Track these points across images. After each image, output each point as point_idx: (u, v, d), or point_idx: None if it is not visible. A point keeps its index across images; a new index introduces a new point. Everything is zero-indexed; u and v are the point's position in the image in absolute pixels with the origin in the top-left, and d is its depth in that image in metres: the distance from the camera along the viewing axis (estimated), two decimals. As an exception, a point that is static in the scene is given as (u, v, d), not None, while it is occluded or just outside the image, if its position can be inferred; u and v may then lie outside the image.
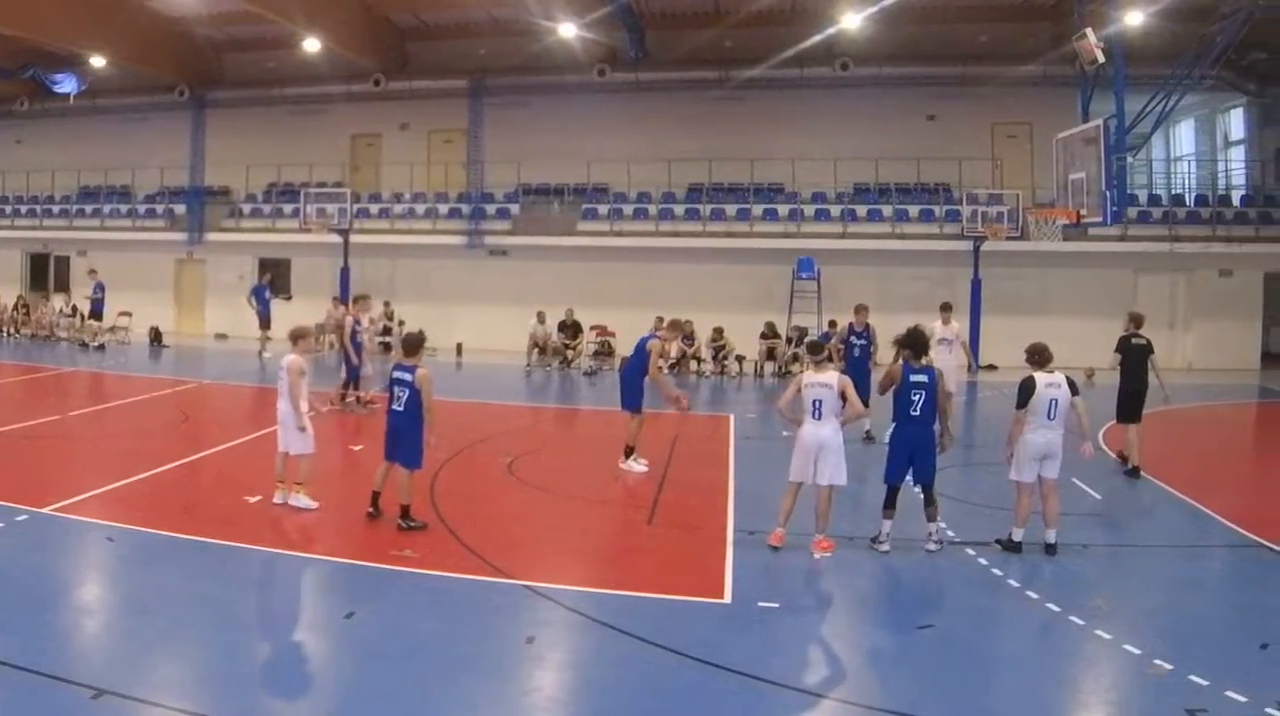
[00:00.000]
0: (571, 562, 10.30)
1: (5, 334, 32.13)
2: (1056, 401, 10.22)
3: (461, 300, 31.37)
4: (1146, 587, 9.80)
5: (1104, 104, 21.49)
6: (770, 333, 27.46)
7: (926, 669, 7.62)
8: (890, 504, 10.39)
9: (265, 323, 28.09)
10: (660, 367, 14.88)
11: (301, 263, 33.26)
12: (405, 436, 10.76)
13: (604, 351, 28.66)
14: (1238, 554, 10.82)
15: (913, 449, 10.41)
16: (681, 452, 15.54)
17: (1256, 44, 24.66)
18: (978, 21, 29.36)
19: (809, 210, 30.18)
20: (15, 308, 32.97)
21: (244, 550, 10.03)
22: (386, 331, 28.56)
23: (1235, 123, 31.29)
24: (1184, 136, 33.13)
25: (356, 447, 15.35)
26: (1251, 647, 7.84)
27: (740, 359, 27.04)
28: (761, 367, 26.99)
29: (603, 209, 31.25)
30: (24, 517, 10.62)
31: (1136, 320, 14.96)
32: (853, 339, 17.12)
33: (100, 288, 29.27)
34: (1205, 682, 7.07)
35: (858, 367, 16.31)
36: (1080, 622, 8.35)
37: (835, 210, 30.07)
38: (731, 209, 30.52)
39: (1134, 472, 14.16)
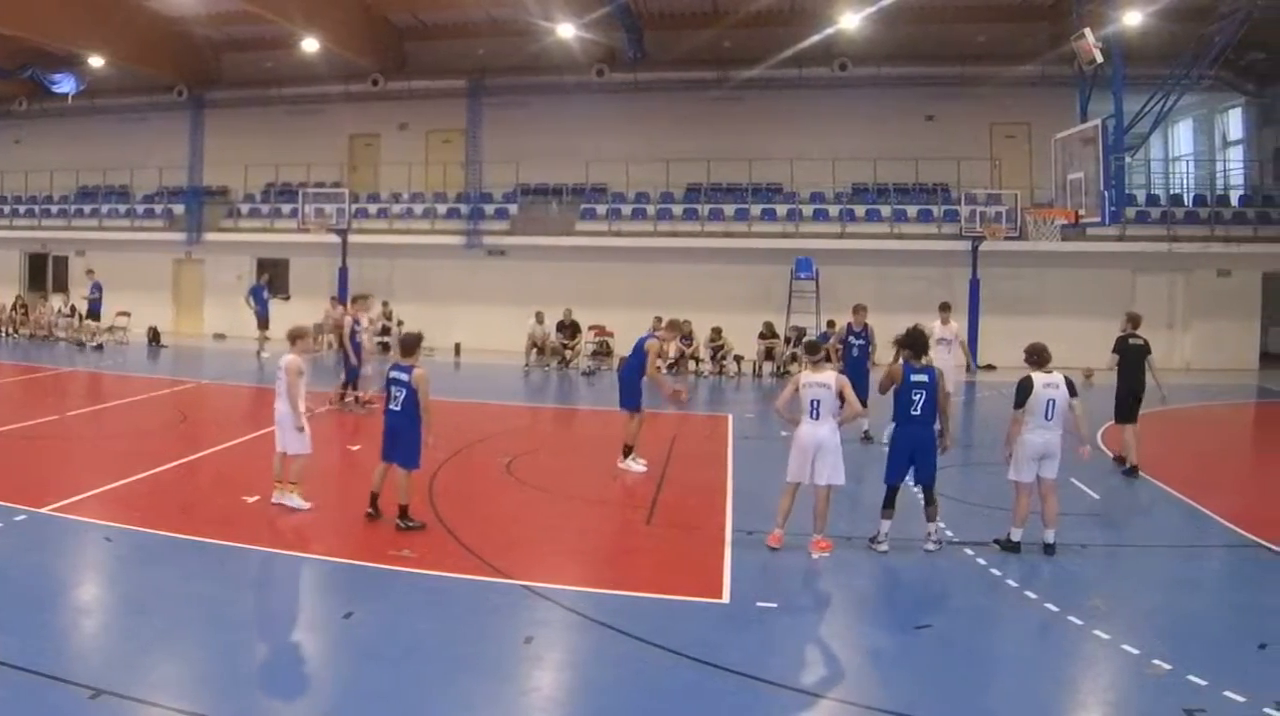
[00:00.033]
0: (570, 562, 10.30)
1: (4, 334, 32.11)
2: (1054, 402, 10.22)
3: (460, 300, 31.38)
4: (1145, 587, 9.80)
5: (1102, 104, 21.51)
6: (768, 333, 27.46)
7: (925, 669, 7.62)
8: (889, 504, 10.39)
9: (263, 323, 28.08)
10: (659, 367, 14.88)
11: (300, 263, 33.24)
12: (403, 436, 10.76)
13: (602, 351, 28.68)
14: (1236, 554, 10.82)
15: (913, 449, 10.40)
16: (680, 452, 15.54)
17: (1255, 44, 24.66)
18: (976, 21, 29.38)
19: (807, 210, 30.20)
20: (14, 308, 32.95)
21: (242, 550, 10.02)
22: (385, 331, 28.55)
23: (1233, 123, 31.30)
24: (1182, 136, 33.16)
25: (355, 448, 15.35)
26: (1250, 647, 7.84)
27: (738, 359, 27.04)
28: (760, 368, 26.99)
29: (601, 209, 31.25)
30: (22, 517, 10.61)
31: (1134, 320, 14.97)
32: (851, 339, 17.11)
33: (97, 288, 29.25)
34: (1204, 682, 7.07)
35: (856, 368, 16.31)
36: (1079, 622, 8.35)
37: (833, 210, 30.07)
38: (730, 209, 30.53)
39: (1132, 472, 14.18)
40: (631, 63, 30.70)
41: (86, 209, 35.34)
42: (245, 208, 34.27)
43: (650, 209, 31.01)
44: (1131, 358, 14.62)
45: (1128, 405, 14.57)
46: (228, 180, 35.09)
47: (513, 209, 32.23)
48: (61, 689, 6.65)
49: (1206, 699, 6.85)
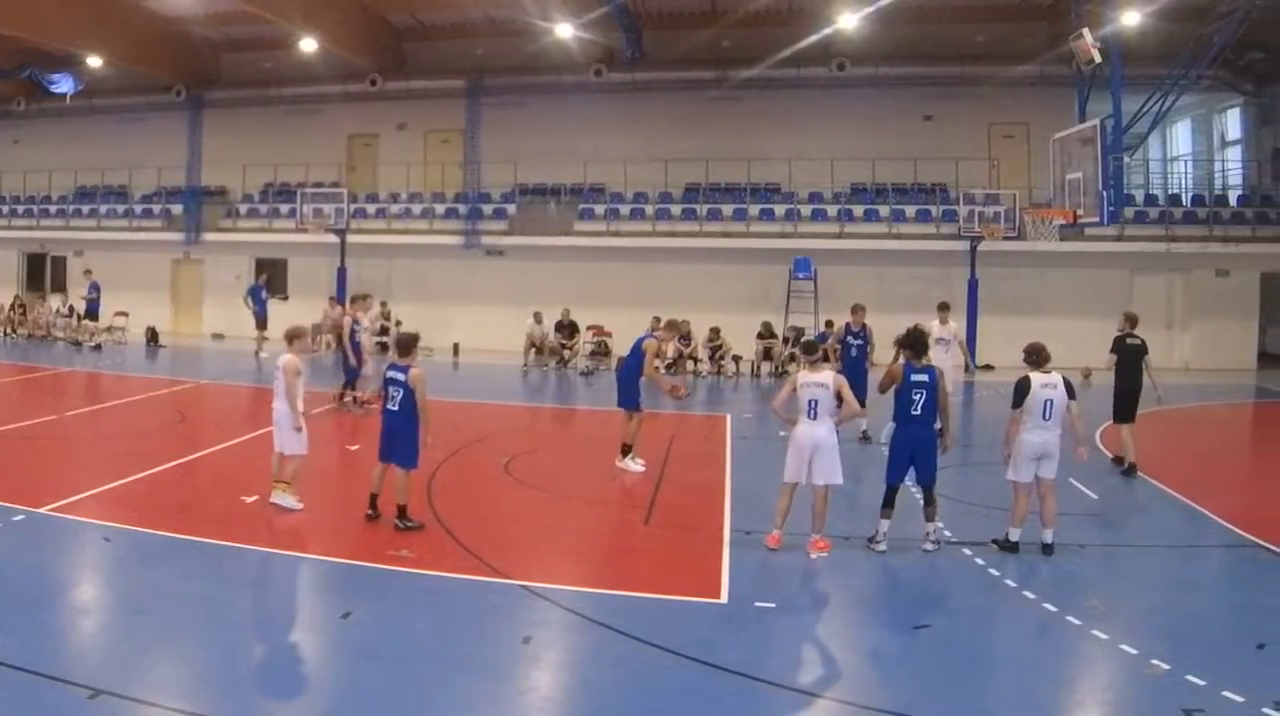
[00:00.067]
0: (568, 562, 10.29)
1: (2, 334, 32.09)
2: (1052, 402, 10.22)
3: (458, 300, 31.39)
4: (1143, 587, 9.79)
5: (1101, 104, 21.51)
6: (767, 333, 27.47)
7: (923, 669, 7.62)
8: (889, 503, 10.39)
9: (262, 323, 28.09)
10: (657, 367, 14.89)
11: (298, 263, 33.24)
12: (400, 436, 10.76)
13: (601, 351, 28.68)
14: (1234, 554, 10.83)
15: (914, 449, 10.39)
16: (678, 452, 15.54)
17: (1254, 44, 24.69)
18: (975, 21, 29.41)
19: (806, 210, 30.22)
20: (12, 308, 32.92)
21: (241, 550, 10.02)
22: (384, 332, 28.53)
23: (1232, 123, 31.34)
24: (1181, 136, 33.19)
25: (353, 448, 15.34)
26: (1248, 647, 7.84)
27: (737, 359, 27.03)
28: (758, 368, 26.99)
29: (599, 209, 31.26)
30: (21, 517, 10.60)
31: (1131, 320, 15.00)
32: (849, 339, 17.13)
33: (95, 288, 29.24)
34: (1202, 682, 7.07)
35: (854, 368, 16.33)
36: (1077, 622, 8.35)
37: (832, 210, 30.09)
38: (728, 209, 30.55)
39: (1130, 471, 14.19)
40: (630, 63, 30.72)
41: (85, 209, 35.33)
42: (244, 208, 34.27)
43: (648, 209, 31.02)
44: (1129, 357, 14.65)
45: (1125, 405, 14.60)
46: (226, 180, 35.09)
47: (511, 209, 32.23)
48: (60, 689, 6.65)
49: (1205, 699, 6.85)
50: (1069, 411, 10.34)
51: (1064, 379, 10.35)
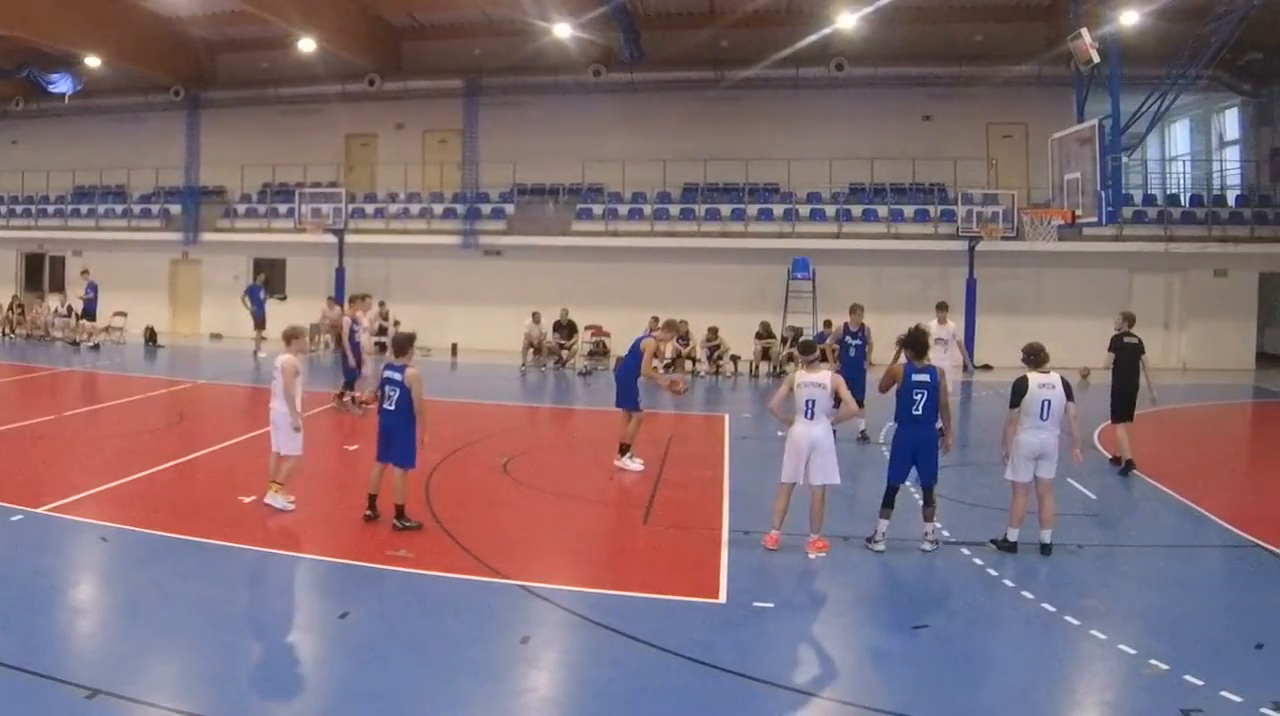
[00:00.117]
0: (567, 562, 10.30)
1: (1, 334, 32.08)
2: (1050, 402, 10.21)
3: (456, 300, 31.38)
4: (1142, 587, 9.79)
5: (1099, 104, 21.50)
6: (765, 333, 27.46)
7: (922, 669, 7.63)
8: (889, 503, 10.39)
9: (260, 323, 28.09)
10: (655, 367, 14.89)
11: (296, 263, 33.21)
12: (398, 436, 10.76)
13: (599, 351, 28.67)
14: (1233, 553, 10.84)
15: (915, 449, 10.39)
16: (677, 452, 15.54)
17: (1252, 44, 24.71)
18: (973, 21, 29.43)
19: (804, 210, 30.21)
20: (10, 308, 32.94)
21: (238, 550, 10.01)
22: (382, 331, 28.50)
23: (1230, 123, 31.35)
24: (1179, 136, 33.22)
25: (351, 448, 15.33)
26: (1247, 647, 7.85)
27: (735, 359, 27.02)
28: (756, 368, 26.98)
29: (598, 209, 31.25)
30: (19, 517, 10.60)
31: (1129, 319, 15.04)
32: (848, 339, 17.14)
33: (93, 288, 29.26)
34: (1200, 682, 7.08)
35: (853, 368, 16.35)
36: (1075, 622, 8.35)
37: (830, 210, 30.08)
38: (727, 209, 30.54)
39: (1128, 468, 14.22)
40: (628, 63, 30.67)
41: (83, 209, 35.28)
42: (242, 208, 34.23)
43: (647, 209, 31.01)
44: (1126, 356, 14.69)
45: (1122, 404, 14.64)
46: (224, 180, 35.04)
47: (509, 209, 32.20)
48: (58, 689, 6.64)
49: (1203, 699, 6.85)
50: (1066, 413, 10.34)
51: (1062, 379, 10.34)
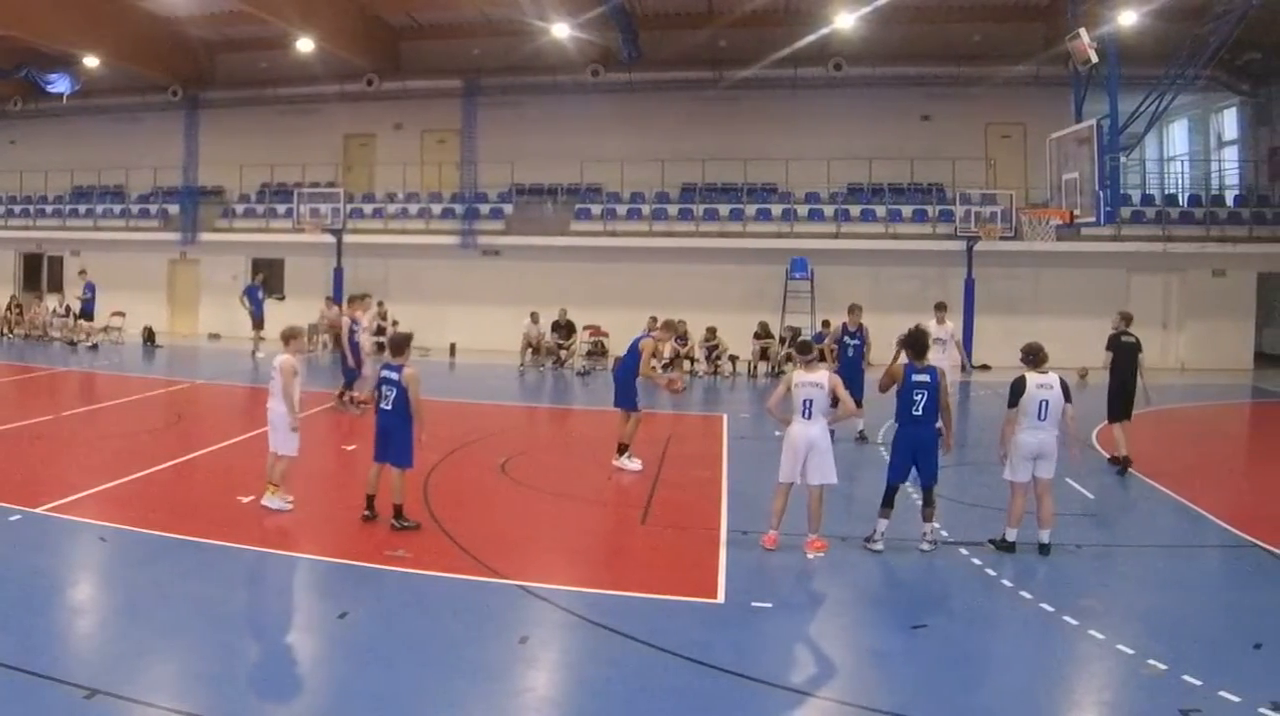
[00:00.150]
0: (565, 562, 10.30)
1: (-1, 334, 32.13)
2: (1048, 402, 10.20)
3: (455, 300, 31.36)
4: (1140, 587, 9.79)
5: (1097, 104, 21.50)
6: (764, 333, 27.47)
7: (920, 669, 7.63)
8: (888, 503, 10.38)
9: (258, 323, 28.08)
10: (653, 367, 14.89)
11: (295, 263, 33.21)
12: (395, 436, 10.77)
13: (597, 351, 28.68)
14: (1231, 553, 10.86)
15: (915, 449, 10.38)
16: (675, 452, 15.54)
17: (1250, 44, 24.71)
18: (971, 21, 29.45)
19: (802, 210, 30.21)
20: (9, 308, 32.92)
21: (237, 550, 10.01)
22: (380, 331, 28.48)
23: (1229, 123, 31.34)
24: (1177, 136, 33.19)
25: (349, 448, 15.32)
26: (1245, 647, 7.85)
27: (734, 359, 27.03)
28: (755, 368, 26.99)
29: (596, 209, 31.24)
30: (17, 517, 10.60)
31: (1126, 318, 15.07)
32: (846, 339, 17.16)
33: (90, 288, 29.29)
34: (1199, 682, 7.08)
35: (851, 368, 16.36)
36: (1074, 622, 8.36)
37: (829, 210, 30.07)
38: (725, 209, 30.54)
39: (1125, 465, 14.23)
40: (627, 63, 30.66)
41: (81, 209, 35.25)
42: (240, 208, 34.21)
43: (645, 209, 31.00)
44: (1124, 355, 14.71)
45: (1120, 402, 14.66)
46: (223, 180, 35.01)
47: (508, 209, 32.19)
48: (56, 688, 6.64)
49: (1202, 699, 6.85)
50: (1064, 414, 10.33)
51: (1061, 380, 10.33)
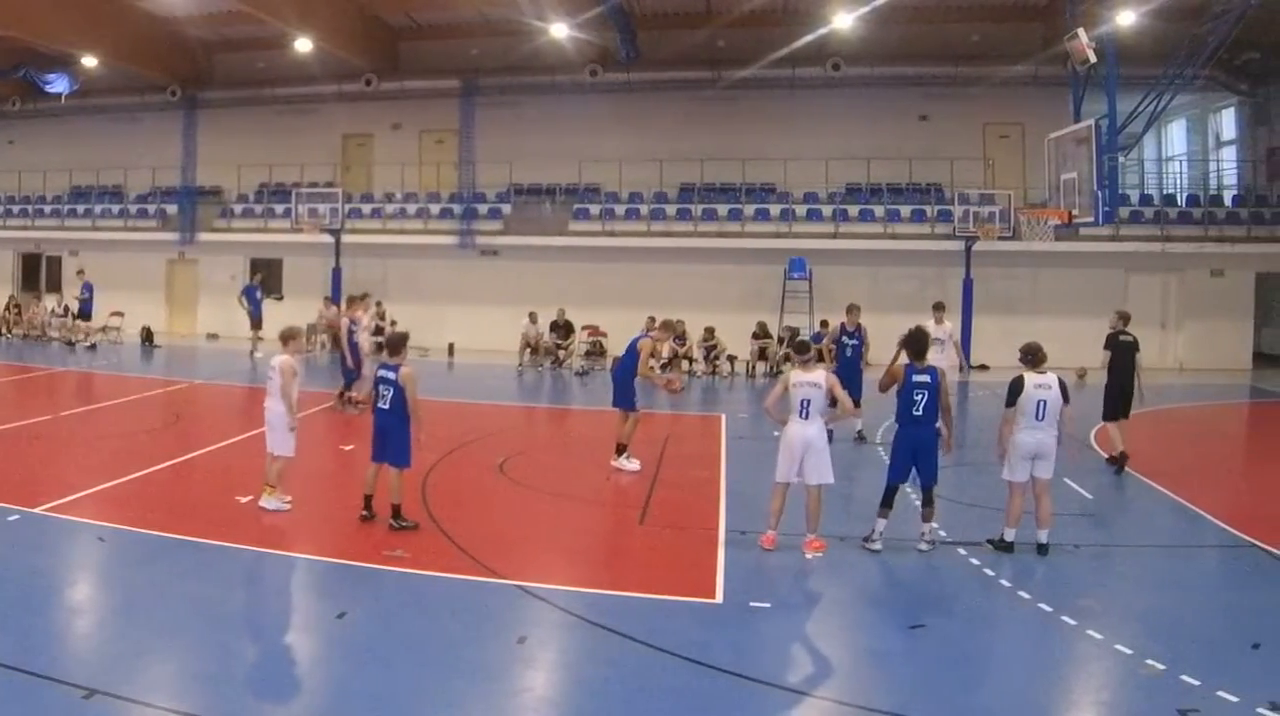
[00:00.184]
0: (563, 562, 10.30)
1: (-2, 334, 32.11)
2: (1045, 402, 10.20)
3: (453, 300, 31.35)
4: (1138, 587, 9.80)
5: (1096, 104, 21.50)
6: (762, 333, 27.47)
7: (918, 669, 7.63)
8: (888, 503, 10.39)
9: (256, 323, 28.07)
10: (652, 367, 14.89)
11: (293, 263, 33.19)
12: (392, 435, 10.77)
13: (596, 351, 28.66)
14: (1229, 553, 10.86)
15: (916, 450, 10.39)
16: (673, 452, 15.54)
17: (1249, 43, 24.72)
18: (969, 21, 29.46)
19: (801, 210, 30.21)
20: (7, 308, 32.90)
21: (235, 550, 10.01)
22: (379, 331, 28.46)
23: (1227, 123, 31.33)
24: (1176, 136, 33.18)
25: (347, 448, 15.30)
26: (1243, 647, 7.86)
27: (732, 359, 27.03)
28: (753, 368, 26.99)
29: (594, 209, 31.23)
30: (15, 517, 10.60)
31: (1124, 317, 15.10)
32: (844, 339, 17.13)
33: (88, 288, 29.30)
34: (1197, 682, 7.09)
35: (849, 368, 16.34)
36: (1072, 622, 8.36)
37: (827, 210, 30.07)
38: (723, 209, 30.53)
39: (1121, 462, 14.25)
40: (625, 63, 30.65)
41: (80, 209, 35.23)
42: (238, 208, 34.18)
43: (644, 209, 30.99)
44: (1122, 354, 14.72)
45: (1118, 401, 14.68)
46: (221, 180, 34.98)
47: (506, 209, 32.18)
48: (55, 689, 6.64)
49: (1200, 699, 6.86)
50: (1060, 415, 10.32)
51: (1059, 380, 10.33)
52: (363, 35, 31.22)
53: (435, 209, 32.43)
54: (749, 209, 30.34)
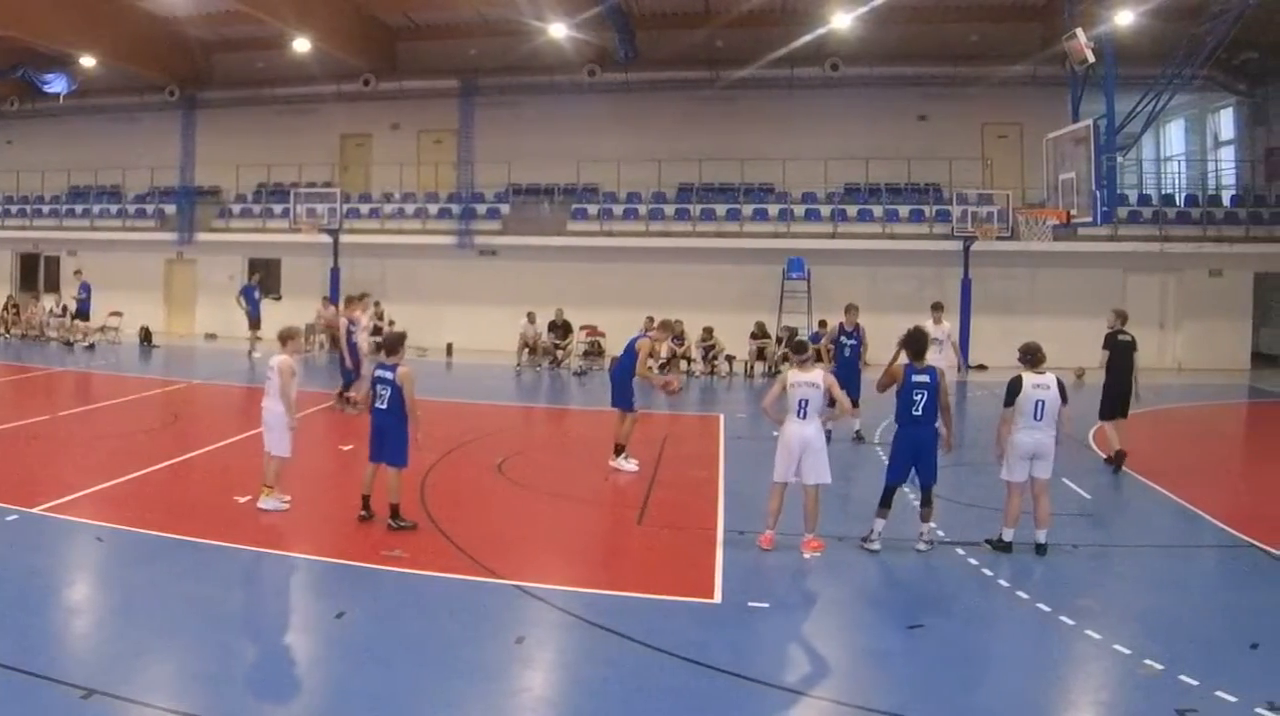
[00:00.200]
0: (562, 562, 10.30)
1: (-4, 334, 32.09)
2: (1044, 402, 10.20)
3: (451, 300, 31.35)
4: (1137, 587, 9.80)
5: (1094, 104, 21.49)
6: (760, 333, 27.47)
7: (916, 668, 7.63)
8: (886, 503, 10.38)
9: (255, 323, 28.07)
10: (650, 367, 14.89)
11: (291, 263, 33.19)
12: (390, 435, 10.77)
13: (594, 351, 28.65)
14: (1227, 553, 10.86)
15: (916, 450, 10.39)
16: (671, 453, 15.54)
17: (1247, 43, 24.73)
18: (968, 21, 29.45)
19: (799, 210, 30.21)
20: (5, 308, 32.91)
21: (233, 550, 10.01)
22: (377, 331, 28.42)
23: (1225, 122, 31.34)
24: (1174, 136, 33.18)
25: (346, 448, 15.30)
26: (1242, 647, 7.86)
27: (730, 359, 27.03)
28: (752, 368, 26.99)
29: (593, 209, 31.22)
30: (14, 518, 10.60)
31: (1121, 316, 15.10)
32: (843, 339, 17.11)
33: (86, 288, 29.30)
34: (1195, 682, 7.09)
35: (848, 368, 16.32)
36: (1070, 622, 8.36)
37: (825, 210, 30.08)
38: (722, 209, 30.53)
39: (1119, 461, 14.25)
40: (623, 63, 30.64)
41: (78, 209, 35.21)
42: (237, 208, 34.17)
43: (642, 209, 30.98)
44: (1120, 353, 14.73)
45: (1116, 401, 14.69)
46: (219, 180, 34.97)
47: (504, 209, 32.17)
48: (53, 689, 6.64)
49: (1198, 699, 6.86)
50: (1058, 415, 10.33)
51: (1058, 381, 10.34)
52: (361, 35, 31.22)
53: (433, 209, 32.43)
54: (747, 209, 30.34)
